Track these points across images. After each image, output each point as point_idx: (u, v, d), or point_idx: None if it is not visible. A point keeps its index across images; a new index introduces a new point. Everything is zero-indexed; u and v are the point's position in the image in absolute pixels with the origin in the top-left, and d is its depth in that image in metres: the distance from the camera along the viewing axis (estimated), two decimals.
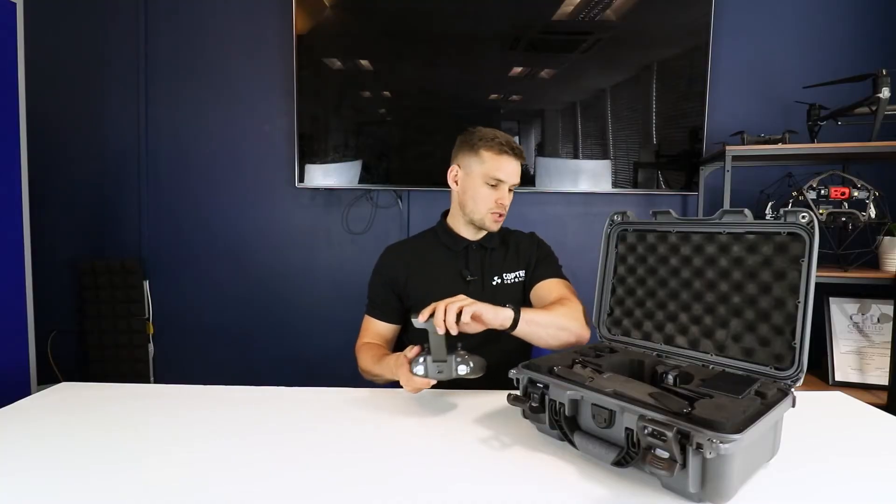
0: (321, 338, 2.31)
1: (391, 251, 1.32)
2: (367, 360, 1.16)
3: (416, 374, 0.90)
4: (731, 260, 0.83)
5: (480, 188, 1.19)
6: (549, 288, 1.23)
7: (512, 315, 0.97)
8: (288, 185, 2.24)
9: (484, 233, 1.28)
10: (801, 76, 1.97)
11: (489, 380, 1.01)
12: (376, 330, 1.27)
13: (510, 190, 1.21)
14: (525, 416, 0.83)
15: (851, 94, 1.72)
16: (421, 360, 0.90)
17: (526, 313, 0.99)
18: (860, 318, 1.82)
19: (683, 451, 0.60)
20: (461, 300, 0.93)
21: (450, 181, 1.25)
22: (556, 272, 1.27)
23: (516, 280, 1.26)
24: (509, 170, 1.18)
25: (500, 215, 1.21)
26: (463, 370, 0.88)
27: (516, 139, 2.14)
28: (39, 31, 2.20)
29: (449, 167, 1.26)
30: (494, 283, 1.25)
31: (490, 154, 1.17)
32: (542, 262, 1.28)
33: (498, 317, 0.96)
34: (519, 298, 1.26)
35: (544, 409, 0.79)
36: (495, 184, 1.18)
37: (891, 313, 1.76)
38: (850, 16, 2.12)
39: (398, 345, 1.39)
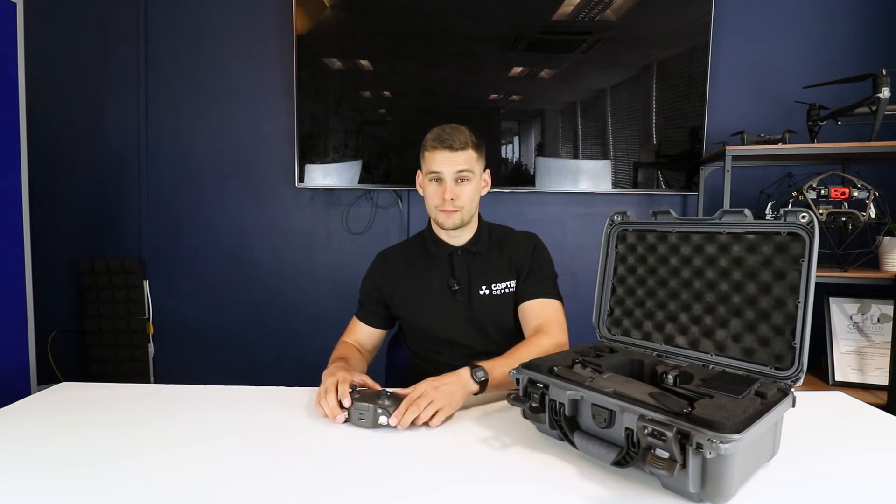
0: (321, 337, 2.29)
1: (381, 259, 1.31)
2: (331, 357, 1.17)
3: (343, 412, 0.89)
4: (731, 260, 0.83)
5: (427, 187, 1.19)
6: (531, 314, 1.18)
7: (477, 388, 0.95)
8: (288, 185, 2.24)
9: (468, 236, 1.24)
10: (801, 76, 1.97)
11: None
12: (358, 331, 1.28)
13: (459, 180, 1.16)
14: (525, 416, 0.83)
15: (851, 94, 1.72)
16: (346, 402, 0.88)
17: (491, 379, 0.96)
18: (860, 318, 1.82)
19: (683, 451, 0.60)
20: (434, 408, 0.88)
21: (417, 188, 1.25)
22: (545, 290, 1.21)
23: (507, 290, 1.22)
24: (441, 160, 1.14)
25: (451, 211, 1.16)
26: (383, 420, 0.87)
27: (516, 139, 2.14)
28: (39, 31, 2.19)
29: None
30: (482, 292, 1.21)
31: (426, 153, 1.18)
32: (533, 276, 1.22)
33: (464, 400, 0.94)
34: (508, 310, 1.22)
35: (544, 409, 0.79)
36: (438, 179, 1.16)
37: (891, 313, 1.76)
38: (850, 16, 2.12)
39: (396, 349, 1.39)
